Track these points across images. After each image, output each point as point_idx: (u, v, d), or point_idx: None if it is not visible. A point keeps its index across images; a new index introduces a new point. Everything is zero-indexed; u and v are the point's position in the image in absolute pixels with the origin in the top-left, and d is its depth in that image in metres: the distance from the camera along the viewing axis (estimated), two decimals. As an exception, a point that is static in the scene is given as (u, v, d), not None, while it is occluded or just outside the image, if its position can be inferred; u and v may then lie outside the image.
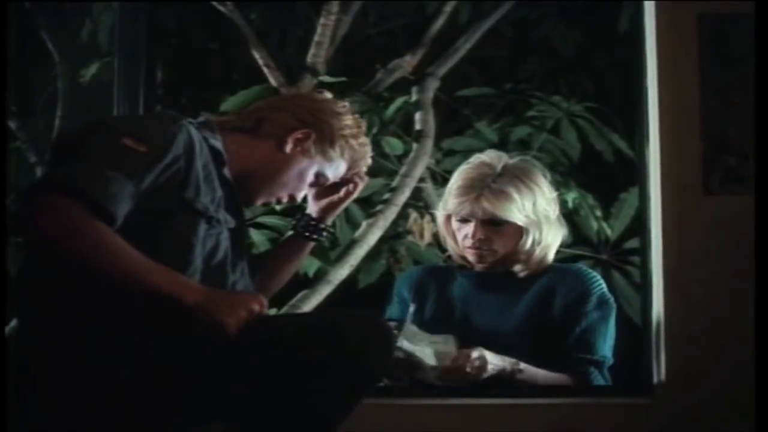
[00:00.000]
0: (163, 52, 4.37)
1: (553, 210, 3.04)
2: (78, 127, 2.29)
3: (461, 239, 3.04)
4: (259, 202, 2.55)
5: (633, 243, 4.32)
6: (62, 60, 4.61)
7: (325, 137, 2.53)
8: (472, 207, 2.99)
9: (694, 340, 2.91)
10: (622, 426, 2.91)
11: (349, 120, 2.58)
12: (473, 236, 3.01)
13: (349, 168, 2.62)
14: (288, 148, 2.49)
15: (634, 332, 3.11)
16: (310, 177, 2.55)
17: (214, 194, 2.34)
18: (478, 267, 3.07)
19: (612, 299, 3.02)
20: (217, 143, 2.39)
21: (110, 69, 3.76)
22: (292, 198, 2.57)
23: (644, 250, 3.10)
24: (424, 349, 2.82)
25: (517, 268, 3.03)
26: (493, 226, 2.99)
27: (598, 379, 2.97)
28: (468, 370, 2.84)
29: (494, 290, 3.04)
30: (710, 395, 2.88)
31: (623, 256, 4.41)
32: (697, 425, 2.86)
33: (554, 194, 3.07)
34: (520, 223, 2.97)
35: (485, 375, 2.85)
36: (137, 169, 2.17)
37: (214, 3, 4.59)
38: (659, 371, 2.95)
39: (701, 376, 2.90)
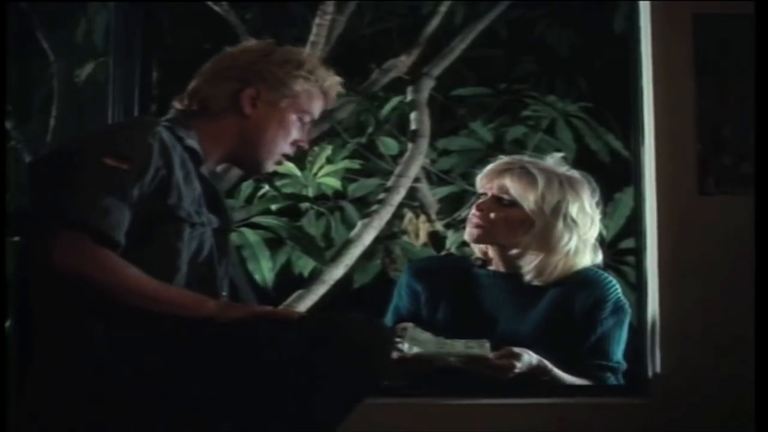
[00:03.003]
0: (158, 52, 4.35)
1: (588, 228, 2.97)
2: (53, 152, 2.32)
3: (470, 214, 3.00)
4: (267, 167, 2.54)
5: (628, 243, 4.33)
6: (57, 60, 4.61)
7: (275, 83, 2.47)
8: (492, 179, 2.97)
9: (689, 340, 2.91)
10: (618, 426, 2.91)
11: (280, 56, 2.50)
12: (477, 205, 2.98)
13: (326, 94, 2.55)
14: (247, 110, 2.45)
15: (629, 332, 3.10)
16: (293, 123, 2.50)
17: (194, 193, 2.34)
18: (474, 248, 3.03)
19: (627, 304, 2.98)
20: (192, 142, 2.39)
21: (105, 69, 3.76)
22: (297, 147, 2.54)
23: (639, 251, 3.10)
24: (455, 348, 2.80)
25: (528, 274, 2.97)
26: (501, 205, 2.95)
27: (613, 381, 2.95)
28: (517, 369, 2.82)
29: (512, 291, 2.99)
30: (706, 395, 2.88)
31: (618, 256, 4.41)
32: (693, 425, 2.86)
33: (597, 217, 3.01)
34: (527, 209, 2.92)
35: (516, 371, 2.83)
36: (125, 187, 2.18)
37: (210, 3, 4.60)
38: (654, 371, 2.95)
39: (697, 376, 2.90)
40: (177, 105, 2.50)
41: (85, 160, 2.20)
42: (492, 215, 2.96)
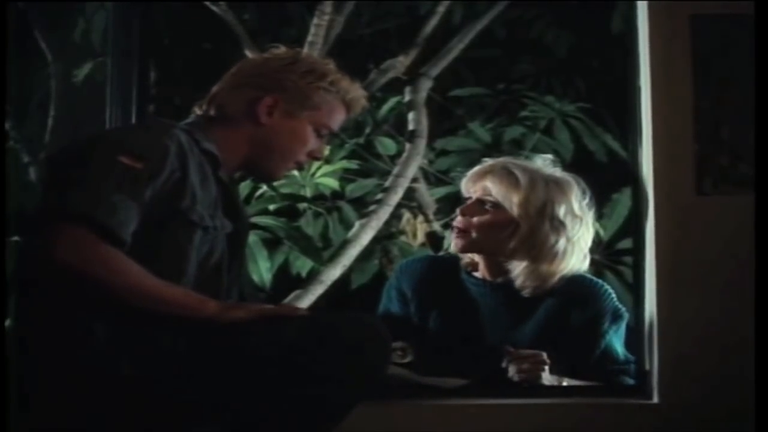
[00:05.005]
0: (156, 52, 4.36)
1: (577, 230, 2.93)
2: (70, 146, 2.29)
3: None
4: (280, 175, 2.53)
5: (626, 243, 4.34)
6: (55, 60, 4.61)
7: (294, 93, 2.44)
8: (475, 182, 2.94)
9: (687, 340, 2.91)
10: (617, 426, 2.91)
11: (304, 66, 2.47)
12: (460, 210, 2.93)
13: (348, 106, 2.51)
14: (263, 119, 2.43)
15: (627, 333, 3.11)
16: (309, 134, 2.47)
17: (210, 197, 2.34)
18: (456, 251, 3.01)
19: (623, 309, 2.99)
20: (210, 145, 2.38)
21: (103, 69, 3.76)
22: (313, 157, 2.52)
23: (637, 251, 3.09)
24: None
25: (518, 280, 2.95)
26: (485, 207, 2.91)
27: (628, 381, 2.97)
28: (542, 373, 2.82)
29: (504, 302, 2.96)
30: (705, 395, 2.88)
31: (616, 256, 4.42)
32: (692, 425, 2.86)
33: (589, 220, 2.97)
34: (511, 211, 2.88)
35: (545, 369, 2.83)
36: (137, 188, 2.17)
37: (208, 3, 4.59)
38: (652, 371, 2.95)
39: (695, 377, 2.90)
40: (197, 110, 2.48)
41: (99, 156, 2.19)
42: (476, 219, 2.92)
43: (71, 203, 2.11)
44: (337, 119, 2.52)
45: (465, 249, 2.96)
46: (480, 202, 2.92)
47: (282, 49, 2.55)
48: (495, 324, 2.96)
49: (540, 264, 2.91)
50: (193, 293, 2.22)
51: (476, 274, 3.01)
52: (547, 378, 2.85)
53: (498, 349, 2.87)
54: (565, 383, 2.90)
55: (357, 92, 2.52)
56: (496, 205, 2.90)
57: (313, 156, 2.53)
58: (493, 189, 2.90)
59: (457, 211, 2.97)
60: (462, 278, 3.02)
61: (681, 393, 2.90)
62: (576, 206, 2.94)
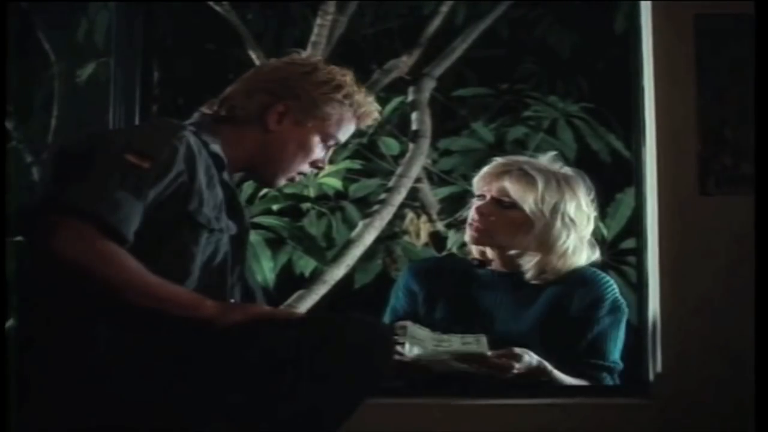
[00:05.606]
0: (159, 52, 4.36)
1: (585, 226, 2.99)
2: (78, 141, 2.29)
3: (469, 217, 3.01)
4: (280, 182, 2.53)
5: (629, 243, 4.33)
6: (59, 60, 4.62)
7: (306, 103, 2.44)
8: (491, 182, 2.98)
9: (690, 340, 2.91)
10: (618, 426, 2.91)
11: (322, 76, 2.47)
12: (477, 209, 2.98)
13: (359, 119, 2.52)
14: (272, 126, 2.43)
15: (630, 332, 3.11)
16: (315, 144, 2.48)
17: (216, 199, 2.34)
18: (472, 249, 3.04)
19: (624, 304, 2.99)
20: (217, 147, 2.38)
21: (106, 69, 3.76)
22: (316, 166, 2.52)
23: (640, 251, 3.10)
24: (451, 345, 2.80)
25: (528, 273, 2.99)
26: (501, 207, 2.96)
27: (608, 380, 2.95)
28: (515, 369, 2.81)
29: (511, 290, 3.00)
30: (707, 395, 2.88)
31: (619, 256, 4.42)
32: (693, 426, 2.86)
33: (593, 214, 3.02)
34: (527, 211, 2.93)
35: (515, 371, 2.83)
36: (143, 186, 2.17)
37: (211, 3, 4.60)
38: (655, 371, 2.95)
39: (697, 377, 2.89)
40: (205, 110, 2.48)
41: (106, 153, 2.19)
42: (492, 218, 2.97)
43: (75, 197, 2.12)
44: (346, 131, 2.53)
45: (479, 241, 3.02)
46: (496, 202, 2.97)
47: (303, 55, 2.57)
48: (499, 310, 2.99)
49: (550, 259, 2.97)
50: (193, 293, 2.22)
51: (489, 267, 3.04)
52: (518, 368, 2.83)
53: (502, 342, 2.87)
54: (533, 360, 2.87)
55: (370, 107, 2.53)
56: (513, 205, 2.95)
57: (316, 165, 2.53)
58: (511, 189, 2.95)
59: (473, 208, 2.99)
60: (470, 269, 3.06)
61: (681, 393, 2.90)
62: (584, 203, 3.00)
